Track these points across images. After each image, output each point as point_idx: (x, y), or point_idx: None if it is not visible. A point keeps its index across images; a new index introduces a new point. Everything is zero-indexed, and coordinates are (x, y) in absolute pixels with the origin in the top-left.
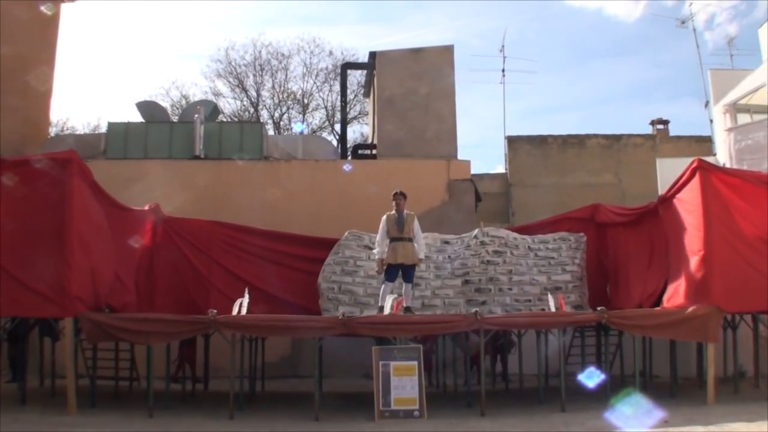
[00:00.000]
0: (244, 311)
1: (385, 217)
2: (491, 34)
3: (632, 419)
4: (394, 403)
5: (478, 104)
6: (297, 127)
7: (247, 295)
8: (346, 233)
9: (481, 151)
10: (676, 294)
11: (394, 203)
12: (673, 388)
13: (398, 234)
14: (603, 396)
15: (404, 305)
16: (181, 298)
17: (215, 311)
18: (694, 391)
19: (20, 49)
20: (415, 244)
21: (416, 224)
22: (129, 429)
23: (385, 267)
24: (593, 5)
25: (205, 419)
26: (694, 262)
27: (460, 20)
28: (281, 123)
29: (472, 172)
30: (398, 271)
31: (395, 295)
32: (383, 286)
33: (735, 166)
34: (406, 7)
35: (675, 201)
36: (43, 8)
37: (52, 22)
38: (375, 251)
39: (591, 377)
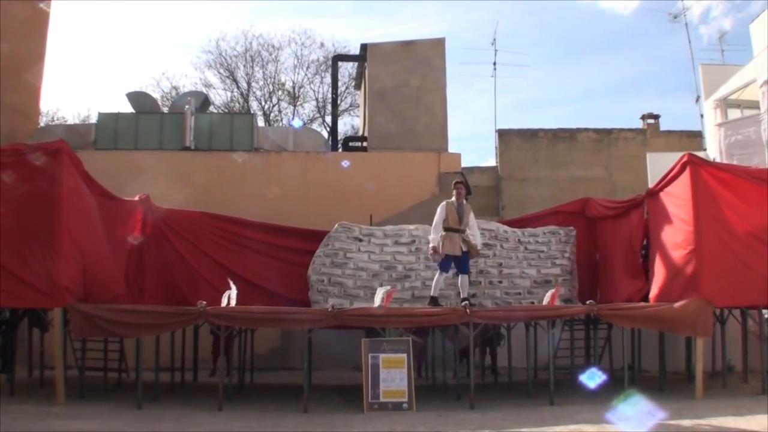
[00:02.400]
0: (233, 303)
1: (444, 204)
2: (485, 27)
3: (632, 420)
4: (383, 395)
5: (470, 97)
6: (295, 124)
7: (234, 287)
8: (336, 225)
9: (473, 144)
10: (665, 288)
11: (454, 192)
12: (661, 383)
13: (458, 225)
14: (591, 390)
15: (463, 295)
16: (171, 290)
17: (204, 303)
18: (682, 386)
19: (12, 44)
20: (471, 235)
21: (472, 216)
22: (118, 420)
23: (442, 257)
24: None
25: (195, 411)
26: (684, 256)
27: (454, 12)
28: (272, 115)
29: (463, 165)
30: (452, 261)
31: (387, 287)
32: (437, 275)
33: (725, 161)
34: None
35: (664, 195)
36: (41, 5)
37: (44, 17)
38: (430, 238)
39: (592, 378)
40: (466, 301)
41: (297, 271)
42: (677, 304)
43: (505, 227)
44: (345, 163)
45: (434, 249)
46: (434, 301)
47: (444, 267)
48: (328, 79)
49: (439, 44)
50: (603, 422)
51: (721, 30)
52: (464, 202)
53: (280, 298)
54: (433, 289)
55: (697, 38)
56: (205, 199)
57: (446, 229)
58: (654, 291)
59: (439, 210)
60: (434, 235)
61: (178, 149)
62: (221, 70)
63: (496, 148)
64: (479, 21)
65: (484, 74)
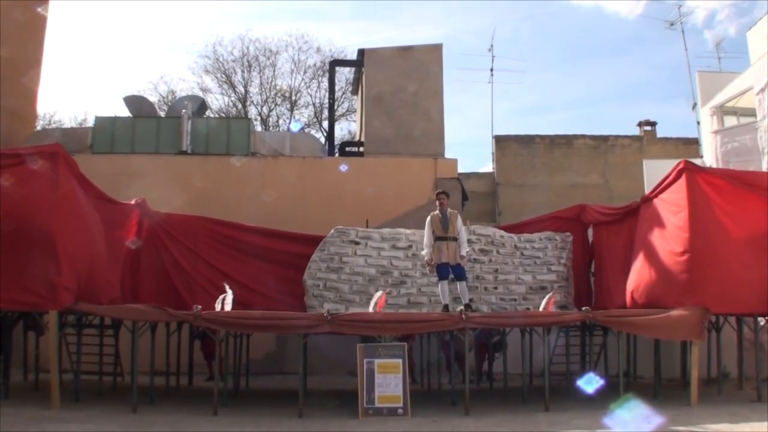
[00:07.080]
0: (228, 307)
1: (429, 217)
2: (484, 32)
3: (631, 424)
4: (378, 400)
5: (467, 102)
6: (294, 126)
7: (230, 291)
8: (332, 230)
9: (470, 149)
10: (659, 294)
11: (437, 203)
12: (656, 389)
13: (443, 233)
14: (587, 396)
15: (464, 302)
16: (167, 294)
17: (200, 307)
18: (677, 393)
19: (10, 47)
20: (459, 242)
21: (459, 222)
22: (112, 424)
23: (435, 266)
24: (591, 3)
25: (189, 415)
26: (679, 262)
27: (454, 17)
28: (269, 119)
29: (460, 170)
30: (448, 268)
31: (380, 293)
32: (440, 285)
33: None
34: (399, 2)
35: (659, 201)
36: (39, 9)
37: (42, 20)
38: (423, 252)
39: (590, 383)
40: (467, 306)
41: (293, 275)
42: (675, 312)
43: (502, 232)
44: (343, 167)
45: (428, 261)
46: (447, 308)
47: (441, 275)
48: (325, 84)
49: (436, 50)
50: (598, 428)
51: (722, 36)
52: (448, 210)
53: (277, 302)
54: (442, 297)
55: (701, 43)
56: (201, 203)
57: (436, 239)
58: (640, 294)
59: (426, 225)
60: (426, 250)
61: (174, 153)
62: (218, 75)
63: (492, 153)
64: (479, 26)
65: (481, 80)
